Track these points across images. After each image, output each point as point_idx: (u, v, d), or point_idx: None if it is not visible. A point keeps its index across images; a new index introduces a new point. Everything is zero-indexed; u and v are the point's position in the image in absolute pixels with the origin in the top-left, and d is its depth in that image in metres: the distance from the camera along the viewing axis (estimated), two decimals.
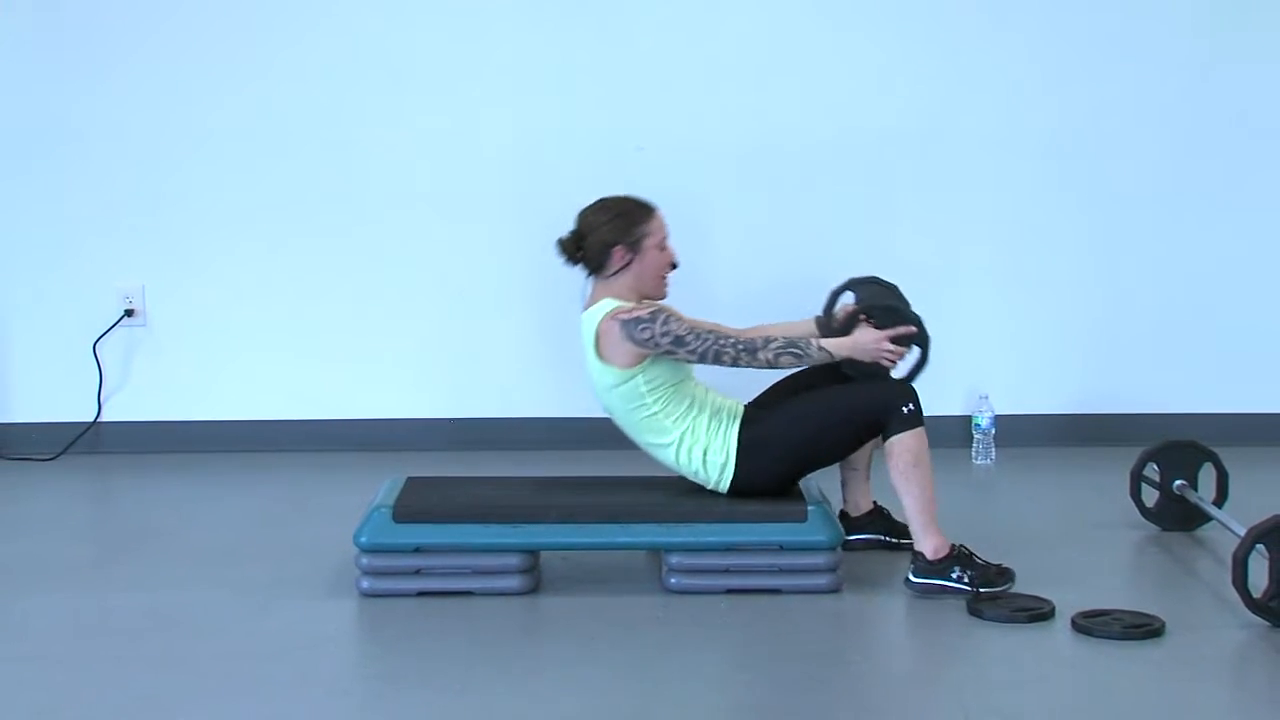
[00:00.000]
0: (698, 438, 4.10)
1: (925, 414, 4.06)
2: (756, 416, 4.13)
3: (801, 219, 5.83)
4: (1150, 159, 5.86)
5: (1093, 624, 3.73)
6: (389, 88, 5.76)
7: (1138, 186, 5.88)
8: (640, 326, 4.02)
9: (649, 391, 4.09)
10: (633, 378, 4.07)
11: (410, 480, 4.32)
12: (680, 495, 4.17)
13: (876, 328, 4.12)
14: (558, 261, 5.86)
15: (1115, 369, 5.93)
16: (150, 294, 5.78)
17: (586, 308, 4.18)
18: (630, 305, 4.10)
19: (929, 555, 4.01)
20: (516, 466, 5.08)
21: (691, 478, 4.17)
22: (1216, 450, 4.68)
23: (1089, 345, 5.91)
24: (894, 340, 4.11)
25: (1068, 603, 3.87)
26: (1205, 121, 5.86)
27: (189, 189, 5.75)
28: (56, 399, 5.77)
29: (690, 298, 5.77)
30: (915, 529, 4.04)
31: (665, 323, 4.02)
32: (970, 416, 5.70)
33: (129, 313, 5.75)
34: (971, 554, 4.04)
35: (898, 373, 4.18)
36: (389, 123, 5.77)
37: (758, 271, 5.74)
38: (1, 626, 3.88)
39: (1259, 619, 3.76)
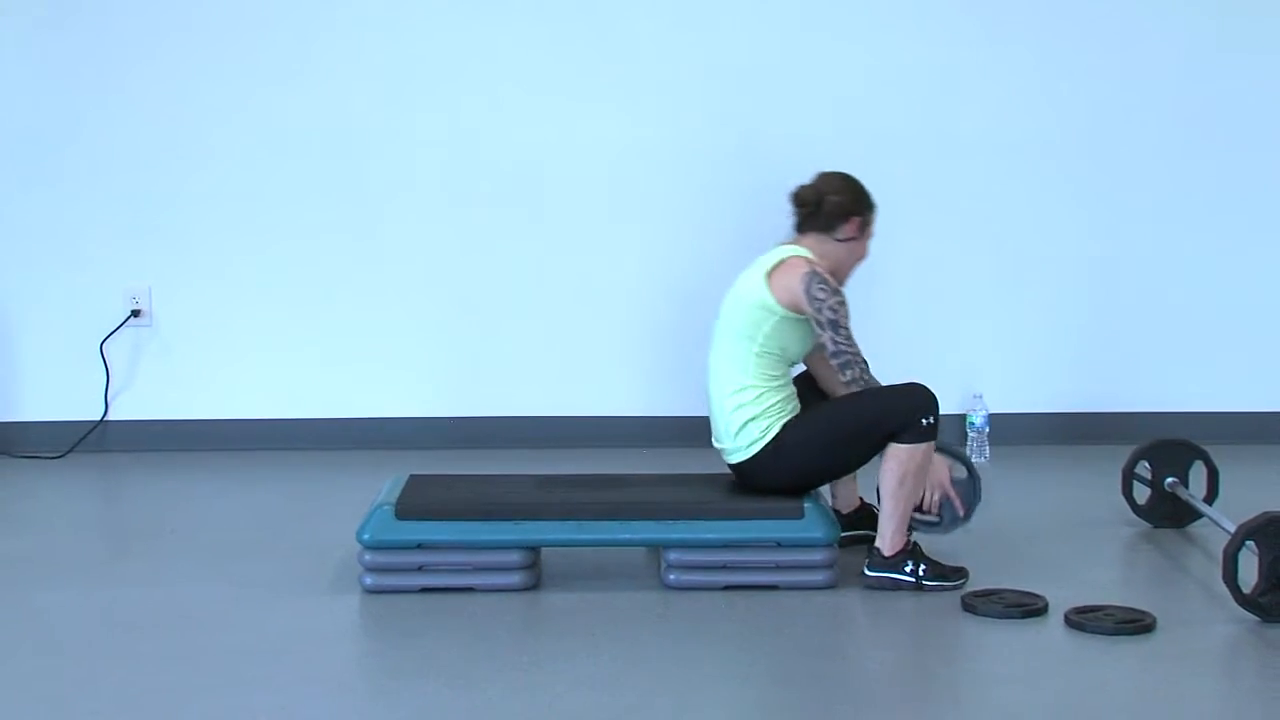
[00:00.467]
0: (758, 405, 4.12)
1: None
2: (794, 422, 4.14)
3: None
4: (1143, 160, 5.90)
5: (1085, 619, 3.77)
6: (391, 91, 5.80)
7: (1130, 188, 5.91)
8: (820, 286, 4.07)
9: (770, 337, 4.12)
10: (772, 314, 4.11)
11: (412, 478, 4.34)
12: (679, 493, 4.20)
13: (954, 479, 4.20)
14: (559, 262, 5.94)
15: (1108, 368, 5.96)
16: (156, 295, 5.82)
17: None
18: (824, 267, 4.16)
19: (886, 551, 4.08)
20: (517, 464, 5.10)
21: (715, 426, 4.21)
22: (1207, 448, 4.73)
23: (1082, 345, 5.95)
24: (943, 499, 4.18)
25: (1061, 598, 3.91)
26: (1198, 122, 5.89)
27: (195, 192, 5.79)
28: (64, 398, 5.80)
29: (686, 292, 5.87)
30: (886, 528, 4.08)
31: (840, 304, 4.08)
32: (965, 415, 5.74)
33: (135, 313, 5.80)
34: (921, 550, 4.12)
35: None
36: (391, 125, 5.80)
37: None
38: (14, 621, 3.91)
39: (1248, 614, 3.80)
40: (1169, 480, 4.68)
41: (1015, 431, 5.84)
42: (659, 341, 5.91)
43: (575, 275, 5.88)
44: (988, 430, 5.72)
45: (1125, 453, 4.79)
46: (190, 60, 5.75)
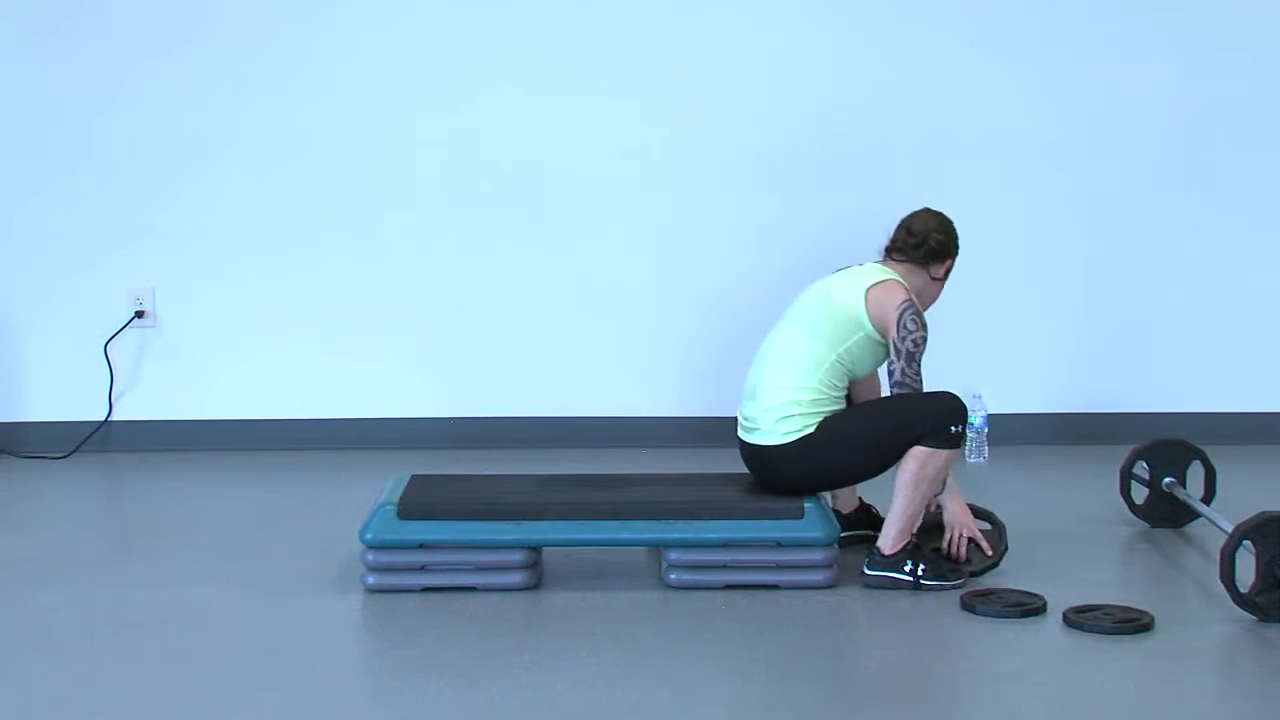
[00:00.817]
0: (810, 406, 4.14)
1: None
2: (825, 422, 4.17)
3: (798, 220, 5.85)
4: (1140, 160, 5.90)
5: (1084, 619, 3.79)
6: (394, 92, 5.80)
7: (1128, 188, 5.92)
8: (914, 318, 4.12)
9: (850, 350, 4.17)
10: (859, 329, 4.16)
11: (415, 478, 4.36)
12: (680, 492, 4.22)
13: (984, 533, 4.24)
14: (559, 262, 5.96)
15: (1106, 368, 5.97)
16: (160, 296, 5.83)
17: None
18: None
19: (886, 551, 4.10)
20: (518, 464, 5.12)
21: (752, 402, 4.22)
22: (1205, 448, 4.74)
23: (1081, 345, 5.95)
24: (971, 544, 4.20)
25: (1059, 598, 3.92)
26: (1195, 122, 5.89)
27: (198, 194, 5.79)
28: (69, 398, 5.81)
29: (686, 292, 5.88)
30: (891, 529, 4.11)
31: (923, 339, 4.13)
32: None
33: (139, 314, 5.81)
34: (921, 547, 4.14)
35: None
36: (394, 126, 5.81)
37: (756, 270, 5.79)
38: (18, 620, 3.93)
39: (1245, 613, 3.82)
40: (1167, 480, 4.70)
41: (1014, 431, 5.84)
42: (659, 341, 5.92)
43: (575, 275, 5.89)
44: (986, 430, 5.73)
45: (1123, 453, 4.80)
46: (190, 60, 5.76)
